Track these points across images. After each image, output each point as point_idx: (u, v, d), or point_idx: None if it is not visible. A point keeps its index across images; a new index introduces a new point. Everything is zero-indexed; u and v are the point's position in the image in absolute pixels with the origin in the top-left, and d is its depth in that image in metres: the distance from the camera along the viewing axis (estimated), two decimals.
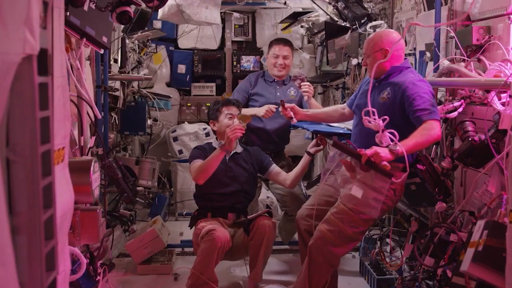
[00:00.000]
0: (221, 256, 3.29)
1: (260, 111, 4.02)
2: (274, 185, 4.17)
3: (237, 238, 3.48)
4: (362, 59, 3.24)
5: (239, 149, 3.76)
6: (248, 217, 3.51)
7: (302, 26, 5.62)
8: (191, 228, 3.71)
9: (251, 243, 3.43)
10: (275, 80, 4.29)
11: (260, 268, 3.43)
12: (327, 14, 4.83)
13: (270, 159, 3.87)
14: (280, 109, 3.49)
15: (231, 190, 3.64)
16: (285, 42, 4.33)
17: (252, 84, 4.34)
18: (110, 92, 3.98)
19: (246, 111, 3.97)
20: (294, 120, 3.45)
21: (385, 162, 2.65)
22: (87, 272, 2.45)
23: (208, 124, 3.82)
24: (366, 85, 3.21)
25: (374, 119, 2.59)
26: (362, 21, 4.11)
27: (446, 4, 3.07)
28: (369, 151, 2.67)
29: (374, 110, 2.61)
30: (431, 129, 2.71)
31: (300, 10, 5.24)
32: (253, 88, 4.32)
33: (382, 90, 3.01)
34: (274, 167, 3.82)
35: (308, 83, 3.98)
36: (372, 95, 3.07)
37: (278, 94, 4.20)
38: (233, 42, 6.04)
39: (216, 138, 3.80)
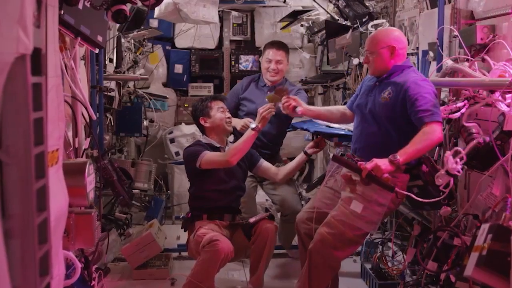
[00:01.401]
0: (222, 266, 3.25)
1: (238, 124, 3.96)
2: (268, 185, 4.15)
3: (235, 241, 3.42)
4: (364, 58, 3.20)
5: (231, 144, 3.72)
6: (250, 221, 3.46)
7: (302, 25, 5.56)
8: (185, 231, 3.65)
9: (253, 247, 3.41)
10: (266, 85, 4.24)
11: (261, 273, 3.41)
12: (328, 13, 4.82)
13: (258, 154, 3.84)
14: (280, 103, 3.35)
15: (230, 187, 3.59)
16: (279, 46, 4.25)
17: (243, 88, 4.31)
18: (105, 93, 3.93)
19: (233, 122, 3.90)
20: (300, 109, 3.28)
21: (386, 175, 2.64)
22: (81, 277, 2.42)
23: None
24: (366, 84, 3.18)
25: (457, 162, 2.52)
26: (364, 20, 4.08)
27: (449, 2, 3.04)
28: (369, 165, 2.67)
29: (462, 153, 2.52)
30: (431, 133, 2.70)
31: (300, 8, 5.18)
32: (243, 92, 4.28)
33: (383, 89, 3.00)
34: (263, 162, 3.81)
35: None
36: (373, 94, 3.05)
37: (266, 100, 4.14)
38: (231, 41, 5.98)
39: (206, 135, 3.69)
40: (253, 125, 3.36)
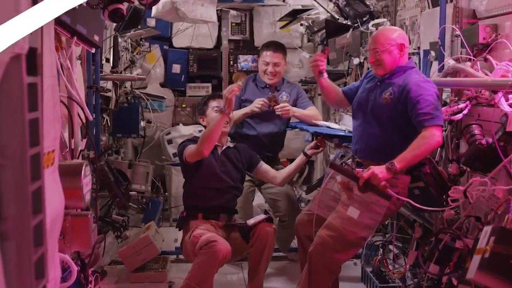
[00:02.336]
0: (220, 267, 3.21)
1: (252, 107, 3.98)
2: (266, 189, 4.12)
3: (231, 242, 3.36)
4: (366, 57, 3.16)
5: (230, 144, 3.71)
6: (248, 223, 3.42)
7: (301, 24, 5.52)
8: (179, 230, 3.62)
9: (252, 250, 3.37)
10: (267, 86, 4.20)
11: (261, 276, 3.38)
12: (328, 12, 4.79)
13: (258, 156, 3.81)
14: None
15: (225, 185, 3.57)
16: (276, 47, 4.20)
17: (243, 89, 4.26)
18: (102, 93, 3.92)
19: (237, 113, 3.95)
20: (325, 75, 3.28)
21: (383, 182, 2.63)
22: (78, 280, 2.37)
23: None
24: (367, 82, 3.16)
25: (479, 190, 2.47)
26: (364, 19, 4.06)
27: (451, 1, 3.01)
28: (366, 173, 2.66)
29: (488, 188, 2.42)
30: (430, 137, 2.70)
31: (300, 7, 5.13)
32: (244, 94, 4.23)
33: (384, 90, 2.98)
34: (262, 164, 3.77)
35: (281, 104, 3.91)
36: (373, 94, 3.02)
37: (267, 101, 4.10)
38: (229, 40, 5.94)
39: None
40: (220, 109, 3.37)
